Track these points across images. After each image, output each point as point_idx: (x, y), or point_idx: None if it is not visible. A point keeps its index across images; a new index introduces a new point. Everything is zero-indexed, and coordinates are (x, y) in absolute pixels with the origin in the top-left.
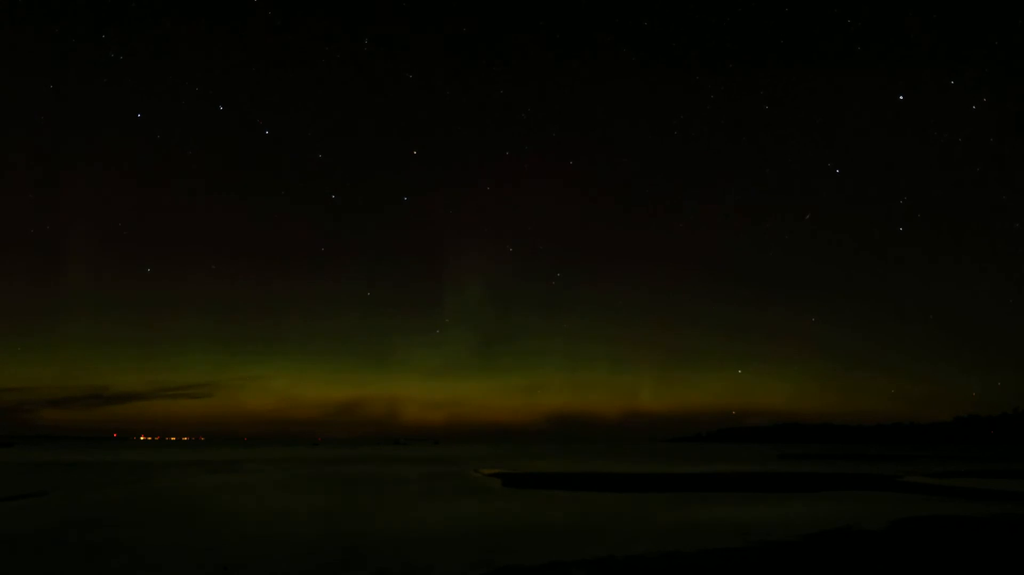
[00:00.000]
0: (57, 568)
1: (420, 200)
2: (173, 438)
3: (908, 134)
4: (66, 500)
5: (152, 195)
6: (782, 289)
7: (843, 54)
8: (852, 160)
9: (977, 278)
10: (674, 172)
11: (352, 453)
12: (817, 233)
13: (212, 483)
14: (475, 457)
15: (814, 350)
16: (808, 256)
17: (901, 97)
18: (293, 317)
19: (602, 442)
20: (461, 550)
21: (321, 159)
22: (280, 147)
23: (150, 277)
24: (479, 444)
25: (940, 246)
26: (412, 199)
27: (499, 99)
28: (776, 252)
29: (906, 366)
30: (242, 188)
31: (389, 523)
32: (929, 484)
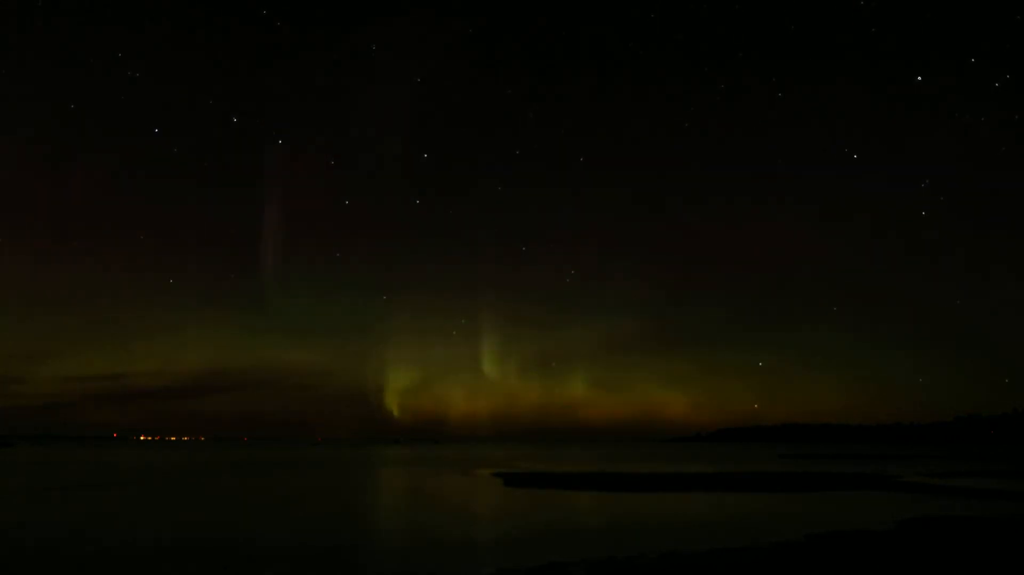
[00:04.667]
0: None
1: (430, 201)
2: (173, 438)
3: (928, 116)
4: None
5: (162, 203)
6: (798, 281)
7: (857, 36)
8: (870, 145)
9: (997, 269)
10: (686, 165)
11: (352, 453)
12: (833, 223)
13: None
14: (475, 457)
15: (832, 344)
16: (824, 248)
17: (919, 78)
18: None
19: (602, 442)
20: (461, 550)
21: (333, 166)
22: (291, 155)
23: (172, 288)
24: (480, 444)
25: (964, 229)
26: (424, 201)
27: (506, 98)
28: (789, 246)
29: (911, 363)
30: (251, 194)
31: (389, 524)
32: (929, 484)
